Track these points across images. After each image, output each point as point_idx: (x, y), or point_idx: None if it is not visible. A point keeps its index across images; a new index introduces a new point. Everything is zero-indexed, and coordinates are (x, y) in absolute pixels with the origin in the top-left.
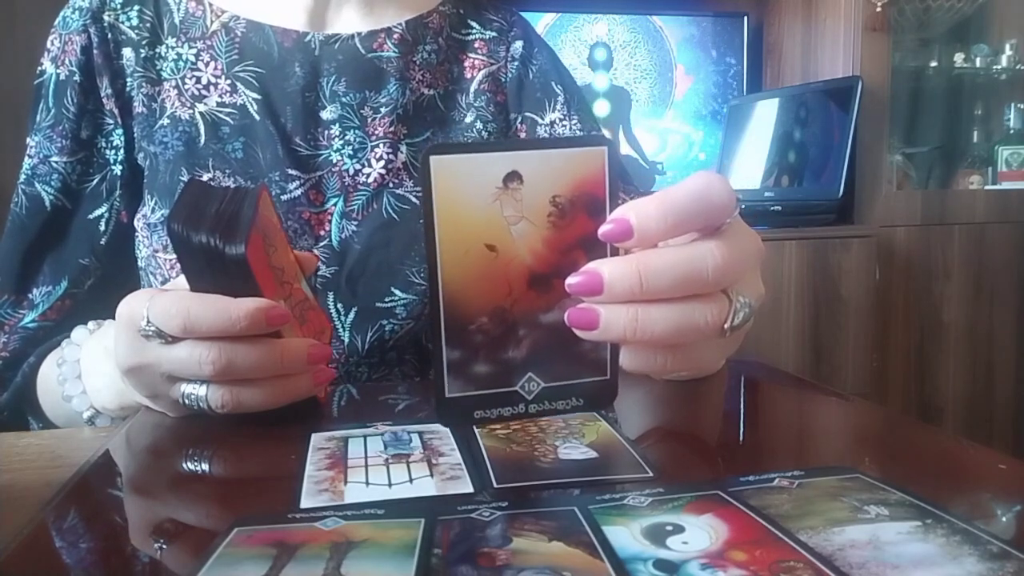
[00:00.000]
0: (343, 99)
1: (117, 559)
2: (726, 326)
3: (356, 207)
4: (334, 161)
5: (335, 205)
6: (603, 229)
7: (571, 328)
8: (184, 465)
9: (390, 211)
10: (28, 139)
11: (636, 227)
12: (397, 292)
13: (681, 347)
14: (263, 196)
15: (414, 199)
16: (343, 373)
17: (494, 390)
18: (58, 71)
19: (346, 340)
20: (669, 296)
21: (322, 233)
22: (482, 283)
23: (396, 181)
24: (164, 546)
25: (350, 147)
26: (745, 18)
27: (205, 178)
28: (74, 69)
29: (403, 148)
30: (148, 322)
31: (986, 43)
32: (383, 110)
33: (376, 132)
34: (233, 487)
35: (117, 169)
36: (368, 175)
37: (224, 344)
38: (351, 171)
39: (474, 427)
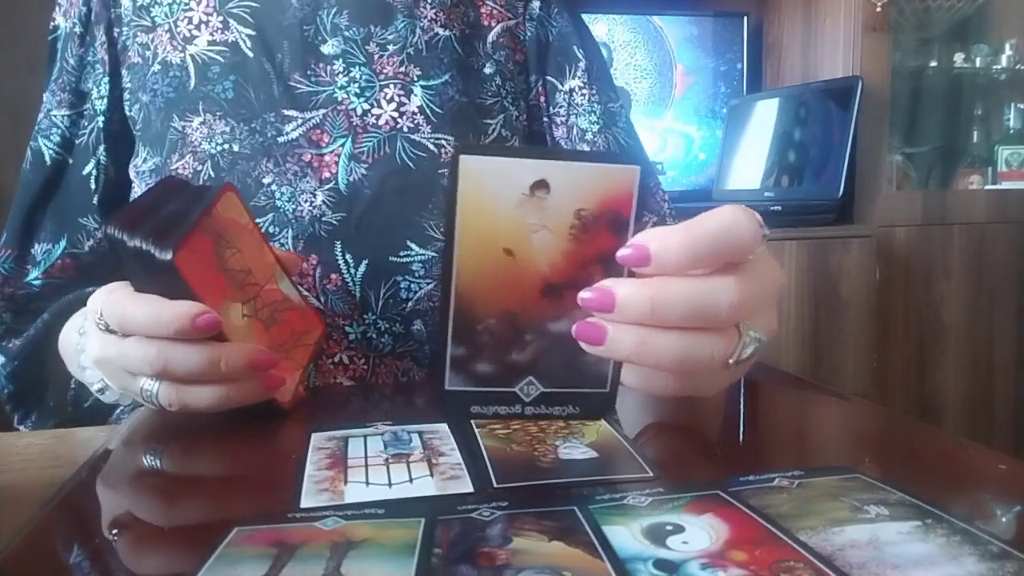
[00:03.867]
0: (345, 33)
1: (117, 559)
2: (731, 361)
3: (366, 150)
4: (339, 99)
5: (342, 146)
6: (621, 253)
7: (577, 340)
8: (184, 465)
9: (404, 157)
10: (45, 95)
11: (655, 257)
12: (413, 246)
13: (684, 373)
14: (224, 197)
15: (432, 146)
16: (359, 334)
17: (493, 389)
18: (66, 24)
19: (357, 295)
20: (679, 326)
21: (327, 175)
22: (495, 286)
23: (411, 126)
24: (164, 546)
25: (356, 85)
26: (745, 18)
27: (196, 122)
28: (75, 21)
29: (417, 90)
30: (100, 316)
31: (986, 43)
32: (391, 48)
33: (384, 71)
34: (233, 487)
35: (100, 121)
36: (378, 116)
37: (163, 345)
38: (359, 111)
39: (474, 427)
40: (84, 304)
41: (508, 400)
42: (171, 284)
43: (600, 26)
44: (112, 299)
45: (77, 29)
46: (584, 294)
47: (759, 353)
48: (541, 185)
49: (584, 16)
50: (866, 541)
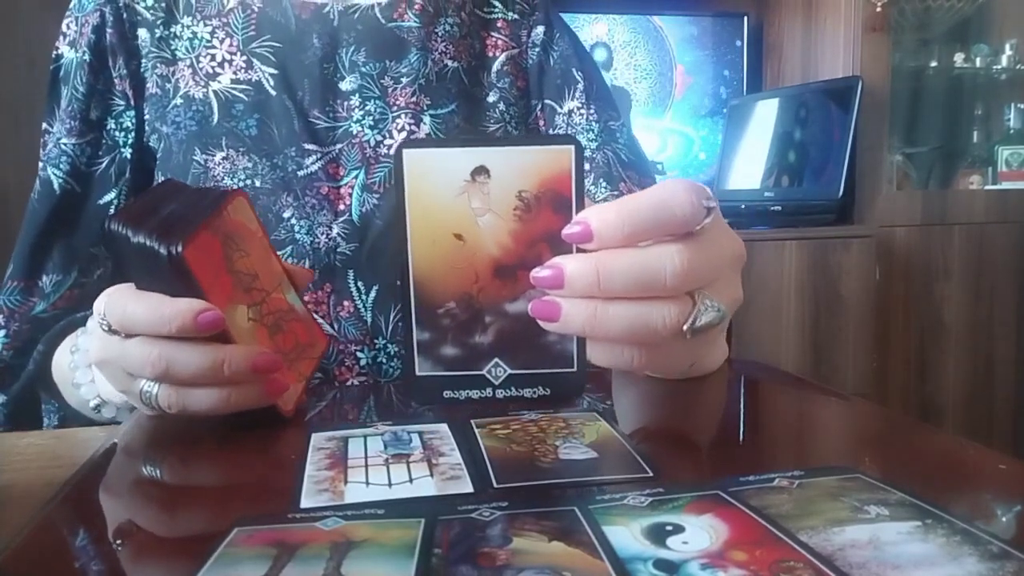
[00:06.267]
0: (362, 69)
1: (117, 559)
2: (685, 328)
3: (377, 179)
4: (354, 132)
5: (355, 178)
6: (566, 231)
7: (534, 318)
8: (184, 465)
9: None
10: (44, 124)
11: (596, 232)
12: None
13: (646, 345)
14: (235, 202)
15: None
16: (370, 359)
17: (462, 372)
18: (75, 54)
19: (368, 320)
20: (626, 296)
21: (342, 207)
22: (450, 270)
23: None
24: (165, 546)
25: (371, 118)
26: (745, 18)
27: (218, 157)
28: (85, 49)
29: (426, 119)
30: (103, 317)
31: (986, 43)
32: (404, 80)
33: (397, 102)
34: (233, 487)
35: (127, 152)
36: (390, 147)
37: (165, 345)
38: (372, 142)
39: (474, 427)
40: (75, 328)
41: (479, 384)
42: (175, 281)
43: (600, 26)
44: (113, 298)
45: (87, 57)
46: (536, 272)
47: (720, 321)
48: (481, 171)
49: (584, 16)
50: (866, 541)
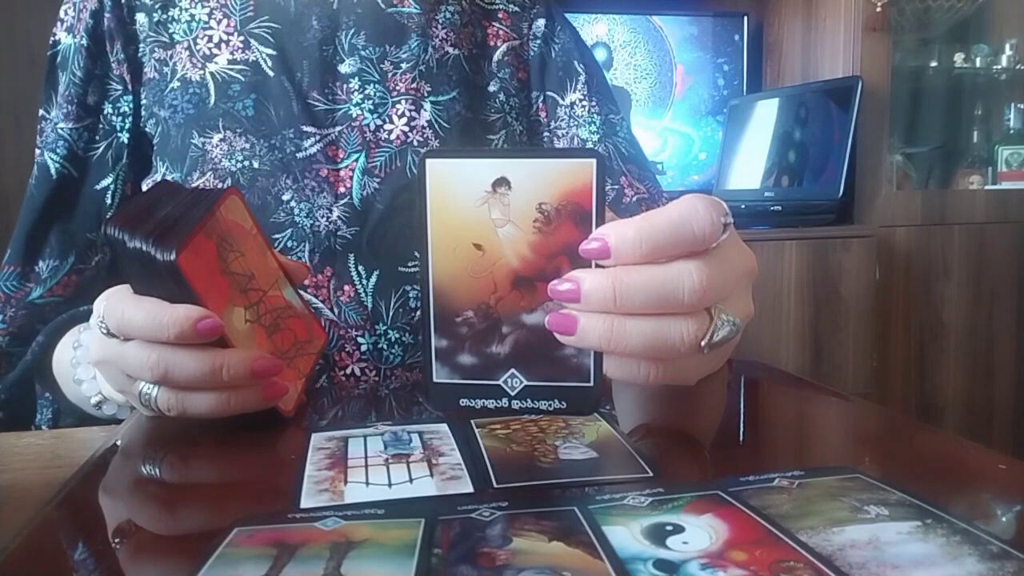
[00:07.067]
0: (362, 52)
1: (117, 559)
2: (703, 343)
3: (378, 164)
4: (354, 116)
5: (356, 161)
6: (584, 246)
7: (551, 331)
8: (184, 465)
9: (415, 171)
10: (41, 110)
11: (614, 249)
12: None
13: (663, 359)
14: (228, 201)
15: None
16: (371, 345)
17: (479, 381)
18: (72, 40)
19: (369, 305)
20: (643, 312)
21: (342, 190)
22: (469, 279)
23: (420, 140)
24: (164, 546)
25: (370, 101)
26: (745, 18)
27: (215, 139)
28: (83, 35)
29: (427, 106)
30: (102, 320)
31: (986, 43)
32: (404, 65)
33: (397, 88)
34: (233, 487)
35: (124, 137)
36: (390, 132)
37: (164, 350)
38: (372, 126)
39: (474, 427)
40: (78, 322)
41: (495, 394)
42: (172, 286)
43: (600, 26)
44: (112, 302)
45: (85, 42)
46: (553, 285)
47: (735, 335)
48: (502, 182)
49: (584, 16)
50: (866, 541)
